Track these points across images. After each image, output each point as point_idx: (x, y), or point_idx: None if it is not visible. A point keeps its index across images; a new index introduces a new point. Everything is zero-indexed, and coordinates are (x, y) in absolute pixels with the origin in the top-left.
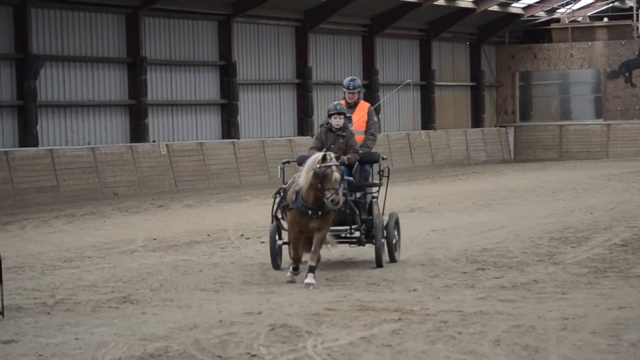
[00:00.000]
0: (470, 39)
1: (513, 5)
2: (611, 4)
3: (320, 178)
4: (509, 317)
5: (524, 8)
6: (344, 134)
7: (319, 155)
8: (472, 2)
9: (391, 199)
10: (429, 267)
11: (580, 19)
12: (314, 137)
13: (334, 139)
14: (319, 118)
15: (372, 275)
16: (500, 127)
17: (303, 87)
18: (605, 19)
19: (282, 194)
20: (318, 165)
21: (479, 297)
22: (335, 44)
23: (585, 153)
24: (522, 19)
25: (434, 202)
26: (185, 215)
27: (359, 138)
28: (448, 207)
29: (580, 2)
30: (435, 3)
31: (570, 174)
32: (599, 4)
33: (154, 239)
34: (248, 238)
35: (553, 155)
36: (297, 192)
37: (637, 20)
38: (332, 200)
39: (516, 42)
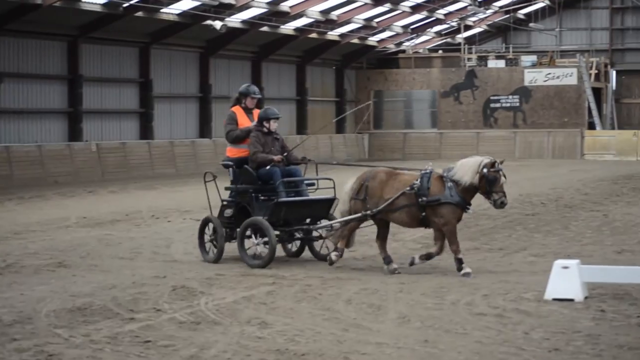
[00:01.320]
0: (336, 64)
1: (370, 39)
2: (445, 40)
3: (491, 182)
4: (359, 282)
5: (378, 41)
6: (278, 137)
7: (483, 159)
8: (338, 35)
9: None
10: None
11: (421, 50)
12: (252, 141)
13: (272, 141)
14: (217, 125)
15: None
16: (358, 133)
17: (204, 100)
18: (440, 51)
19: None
20: (486, 170)
21: (336, 266)
22: (231, 67)
23: (423, 155)
24: (376, 49)
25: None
26: (110, 199)
27: None
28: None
29: (421, 37)
30: (309, 36)
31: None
32: (436, 39)
33: (84, 218)
34: (157, 218)
35: (398, 156)
36: (450, 188)
37: (464, 53)
38: (502, 203)
39: (372, 67)
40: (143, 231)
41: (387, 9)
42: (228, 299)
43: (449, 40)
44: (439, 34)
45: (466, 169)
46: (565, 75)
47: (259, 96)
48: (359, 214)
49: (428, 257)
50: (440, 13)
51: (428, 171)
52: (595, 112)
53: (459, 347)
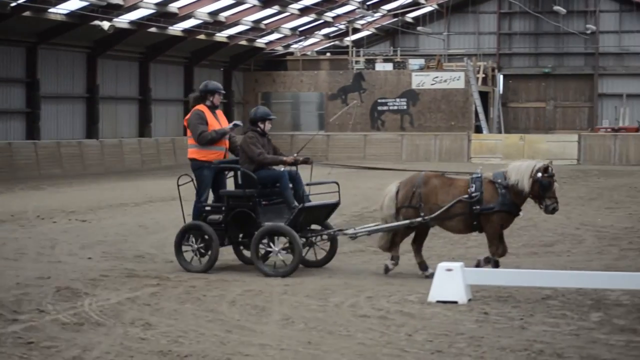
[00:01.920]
0: (224, 66)
1: (258, 40)
2: (333, 43)
3: (545, 187)
4: (243, 283)
5: (266, 43)
6: (269, 137)
7: (535, 164)
8: (226, 37)
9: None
10: None
11: (309, 53)
12: (252, 142)
13: (266, 142)
14: (104, 126)
15: (140, 249)
16: (244, 134)
17: (92, 101)
18: (328, 54)
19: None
20: (540, 175)
21: (221, 267)
22: (118, 67)
23: (310, 156)
24: (264, 51)
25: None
26: None
27: None
28: None
29: (309, 40)
30: (197, 37)
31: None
32: (324, 42)
33: None
34: (43, 219)
35: None
36: (503, 195)
37: (352, 55)
38: (554, 209)
39: (260, 69)
40: (28, 232)
41: (275, 11)
42: (112, 300)
43: (337, 43)
44: (327, 36)
45: (520, 173)
46: (452, 79)
47: (224, 92)
48: (407, 221)
49: (488, 260)
50: (329, 16)
51: (478, 176)
52: (482, 116)
53: (342, 348)
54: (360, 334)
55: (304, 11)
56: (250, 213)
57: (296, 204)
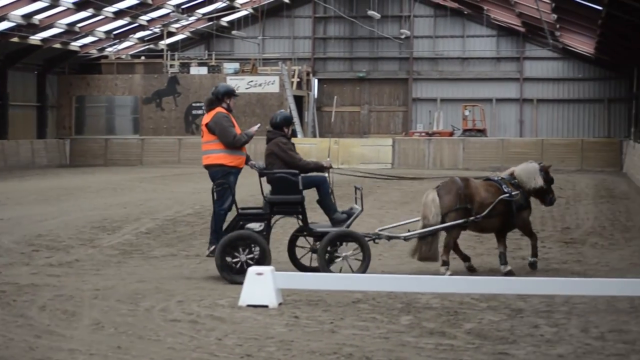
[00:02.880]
0: (38, 69)
1: (72, 44)
2: (147, 46)
3: (550, 182)
4: (54, 288)
5: (80, 46)
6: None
7: (536, 165)
8: (40, 40)
9: None
10: None
11: (124, 56)
12: (289, 148)
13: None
14: None
15: None
16: (60, 138)
17: None
18: (143, 57)
19: None
20: (544, 173)
21: (32, 272)
22: None
23: (125, 161)
24: (79, 55)
25: (3, 197)
26: None
27: None
28: (15, 201)
29: (124, 43)
30: (11, 40)
31: (112, 177)
32: (138, 45)
33: None
34: None
35: (100, 162)
36: (522, 193)
37: (167, 59)
38: (554, 200)
39: (74, 72)
40: None
41: (90, 14)
42: None
43: (151, 46)
44: (141, 40)
45: (531, 174)
46: (267, 83)
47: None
48: (461, 221)
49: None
50: (143, 19)
51: (499, 178)
52: (297, 120)
53: (151, 353)
54: (170, 339)
55: (119, 14)
56: (296, 219)
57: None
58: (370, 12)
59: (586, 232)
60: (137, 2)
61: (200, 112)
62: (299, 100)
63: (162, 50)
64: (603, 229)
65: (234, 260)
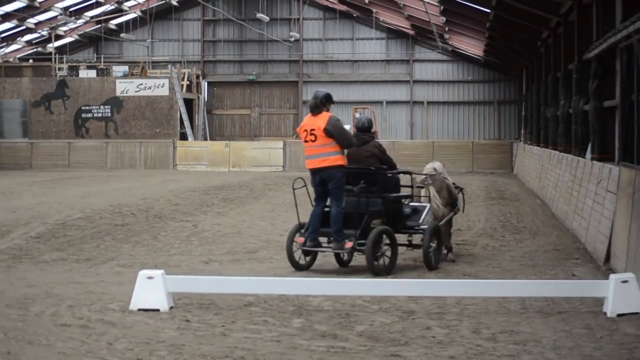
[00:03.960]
0: None
1: None
2: (36, 49)
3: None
4: None
5: None
6: None
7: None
8: None
9: None
10: None
11: (11, 59)
12: (385, 150)
13: None
14: None
15: None
16: None
17: None
18: (31, 61)
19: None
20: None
21: None
22: None
23: (14, 164)
24: None
25: None
26: None
27: None
28: None
29: (11, 46)
30: None
31: (1, 181)
32: (26, 48)
33: None
34: None
35: None
36: None
37: (55, 62)
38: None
39: None
40: None
41: None
42: None
43: (39, 49)
44: (29, 43)
45: (443, 170)
46: (157, 86)
47: None
48: (452, 213)
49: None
50: (31, 22)
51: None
52: (187, 123)
53: (42, 358)
54: (61, 343)
55: (5, 17)
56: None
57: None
58: (259, 15)
59: (477, 233)
60: (24, 4)
61: (89, 115)
62: (189, 103)
63: (50, 53)
64: (494, 230)
65: (377, 254)
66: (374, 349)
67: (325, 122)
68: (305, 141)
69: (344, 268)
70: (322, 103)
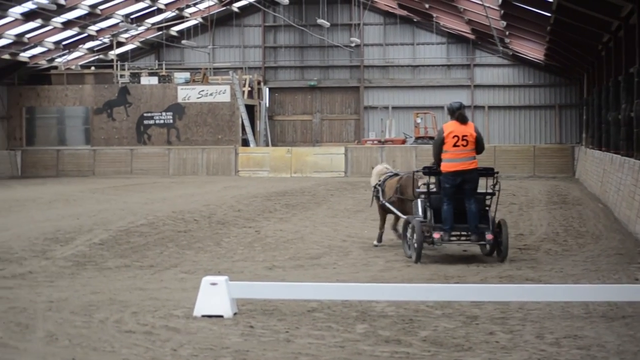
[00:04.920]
0: None
1: (21, 54)
2: (97, 56)
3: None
4: (7, 300)
5: (29, 57)
6: None
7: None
8: None
9: None
10: None
11: (73, 67)
12: None
13: None
14: None
15: None
16: (11, 150)
17: None
18: (93, 68)
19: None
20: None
21: None
22: None
23: (77, 171)
24: (28, 65)
25: None
26: None
27: None
28: None
29: (74, 53)
30: None
31: (64, 188)
32: (88, 55)
33: None
34: None
35: (52, 173)
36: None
37: (117, 69)
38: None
39: (24, 83)
40: None
41: (38, 24)
42: None
43: (101, 56)
44: (91, 50)
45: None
46: (218, 93)
47: None
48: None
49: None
50: (93, 29)
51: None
52: (248, 129)
53: None
54: (125, 350)
55: (68, 25)
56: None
57: None
58: (320, 21)
59: (540, 238)
60: (86, 12)
61: (151, 122)
62: (250, 109)
63: (112, 60)
64: (556, 235)
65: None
66: (437, 354)
67: (473, 129)
68: (456, 145)
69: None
70: (458, 111)
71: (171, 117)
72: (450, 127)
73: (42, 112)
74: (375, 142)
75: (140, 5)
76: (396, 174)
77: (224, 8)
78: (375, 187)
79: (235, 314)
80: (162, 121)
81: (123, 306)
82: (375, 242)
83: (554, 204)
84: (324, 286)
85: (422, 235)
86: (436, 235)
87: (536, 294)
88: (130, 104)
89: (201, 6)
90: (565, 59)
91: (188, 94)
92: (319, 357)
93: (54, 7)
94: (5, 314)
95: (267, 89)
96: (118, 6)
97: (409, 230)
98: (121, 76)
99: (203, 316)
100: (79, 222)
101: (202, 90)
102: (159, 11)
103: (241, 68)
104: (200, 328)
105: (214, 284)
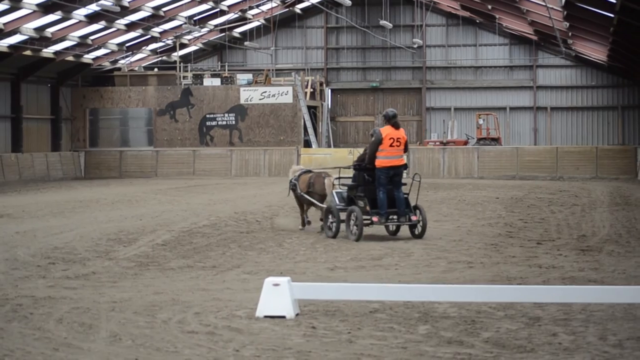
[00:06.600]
0: (51, 82)
1: (85, 56)
2: (160, 58)
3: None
4: (71, 300)
5: (93, 59)
6: None
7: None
8: (52, 53)
9: None
10: (11, 262)
11: (136, 68)
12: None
13: None
14: None
15: None
16: (74, 151)
17: None
18: (156, 69)
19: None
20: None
21: (48, 285)
22: None
23: (140, 172)
24: (91, 67)
25: (19, 210)
26: None
27: None
28: (30, 214)
29: (137, 55)
30: (24, 53)
31: (127, 189)
32: (151, 57)
33: None
34: None
35: (115, 174)
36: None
37: (180, 71)
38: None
39: (87, 85)
40: None
41: (102, 26)
42: None
43: (164, 58)
44: (154, 52)
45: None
46: (280, 94)
47: None
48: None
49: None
50: (156, 31)
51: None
52: (311, 130)
53: None
54: (188, 350)
55: (131, 27)
56: None
57: None
58: (383, 22)
59: (602, 239)
60: (149, 14)
61: (214, 123)
62: (312, 111)
63: (174, 62)
64: (619, 236)
65: None
66: (500, 355)
67: (404, 134)
68: (392, 146)
69: (463, 274)
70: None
71: (233, 118)
72: (387, 130)
73: (106, 113)
74: (438, 143)
75: (204, 7)
76: (309, 171)
77: (287, 9)
78: (291, 181)
79: (297, 314)
80: (224, 122)
81: (186, 307)
82: (300, 227)
83: (616, 205)
84: (386, 287)
85: (362, 219)
86: (375, 218)
87: (599, 295)
88: (192, 105)
89: (264, 8)
90: (628, 60)
91: (250, 95)
92: (381, 358)
93: (118, 9)
94: (69, 314)
95: (329, 90)
96: (181, 8)
97: (330, 216)
98: (184, 78)
99: (265, 317)
100: (142, 223)
101: (265, 92)
102: (222, 13)
103: (303, 69)
104: (262, 329)
105: (276, 284)
